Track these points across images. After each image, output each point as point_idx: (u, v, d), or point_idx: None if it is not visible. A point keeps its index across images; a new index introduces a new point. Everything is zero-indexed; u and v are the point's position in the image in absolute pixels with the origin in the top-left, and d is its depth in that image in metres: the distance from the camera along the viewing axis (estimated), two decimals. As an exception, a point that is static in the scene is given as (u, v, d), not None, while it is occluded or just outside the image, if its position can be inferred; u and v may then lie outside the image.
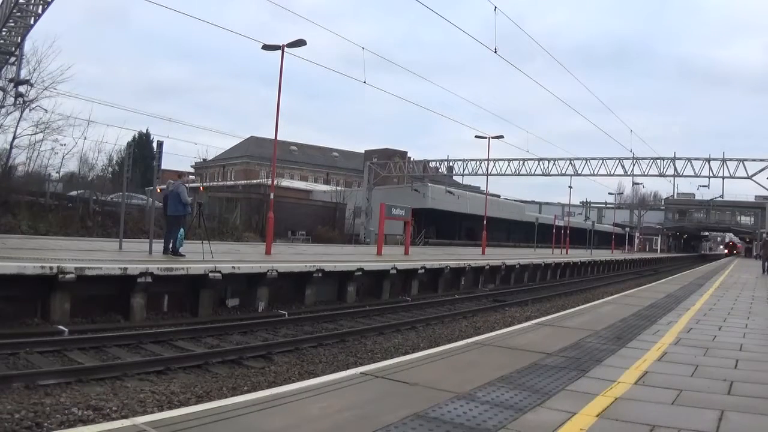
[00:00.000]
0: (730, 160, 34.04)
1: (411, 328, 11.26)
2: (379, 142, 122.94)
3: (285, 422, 3.21)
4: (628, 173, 36.90)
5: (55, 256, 10.25)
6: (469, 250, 32.06)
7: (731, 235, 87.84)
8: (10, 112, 21.67)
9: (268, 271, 12.03)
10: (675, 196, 61.62)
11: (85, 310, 9.59)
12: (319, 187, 52.57)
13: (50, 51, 22.90)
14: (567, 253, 39.25)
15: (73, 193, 24.39)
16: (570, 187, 42.85)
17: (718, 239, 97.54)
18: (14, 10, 16.57)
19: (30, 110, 21.94)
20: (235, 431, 3.09)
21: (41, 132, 22.53)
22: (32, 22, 17.25)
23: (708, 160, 34.34)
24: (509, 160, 37.66)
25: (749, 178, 33.62)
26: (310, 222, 32.38)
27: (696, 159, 34.71)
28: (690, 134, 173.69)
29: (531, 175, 37.67)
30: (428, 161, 42.46)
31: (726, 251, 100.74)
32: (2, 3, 17.14)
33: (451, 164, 41.41)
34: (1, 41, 18.89)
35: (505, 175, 38.17)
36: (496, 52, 20.13)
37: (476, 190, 53.48)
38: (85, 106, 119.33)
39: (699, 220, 75.78)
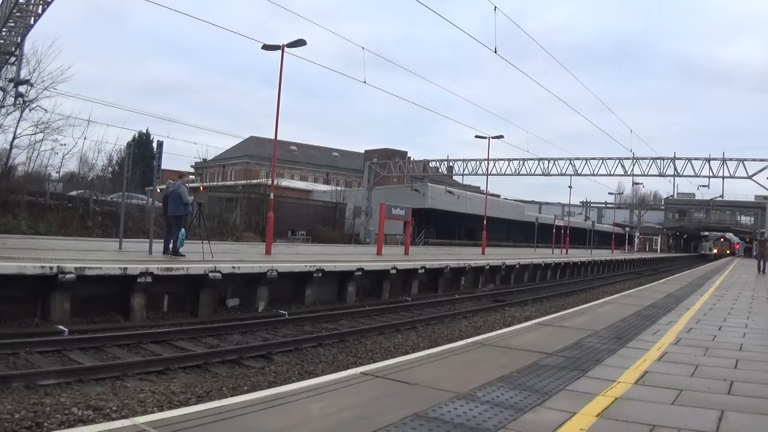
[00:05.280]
0: (730, 160, 34.01)
1: (411, 328, 11.25)
2: (379, 142, 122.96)
3: (285, 422, 3.21)
4: (628, 173, 36.86)
5: (55, 256, 10.25)
6: (469, 250, 32.06)
7: (731, 235, 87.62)
8: (10, 112, 21.75)
9: (268, 271, 12.02)
10: (675, 196, 61.59)
11: (85, 310, 9.59)
12: (319, 187, 52.55)
13: (50, 51, 23.10)
14: (567, 253, 39.24)
15: (73, 193, 24.41)
16: (570, 187, 42.88)
17: (719, 239, 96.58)
18: (14, 10, 16.54)
19: (30, 110, 22.01)
20: (235, 431, 3.09)
21: (41, 132, 22.60)
22: (32, 22, 17.23)
23: (708, 160, 34.31)
24: (509, 160, 37.65)
25: (749, 178, 33.58)
26: (310, 222, 32.40)
27: (696, 159, 34.69)
28: (690, 134, 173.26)
29: (531, 175, 37.63)
30: (428, 161, 42.41)
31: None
32: (2, 3, 17.13)
33: (451, 164, 41.43)
34: (1, 41, 18.87)
35: (505, 175, 38.14)
36: (496, 51, 20.14)
37: (476, 190, 53.46)
38: (84, 106, 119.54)
39: (699, 220, 75.77)
